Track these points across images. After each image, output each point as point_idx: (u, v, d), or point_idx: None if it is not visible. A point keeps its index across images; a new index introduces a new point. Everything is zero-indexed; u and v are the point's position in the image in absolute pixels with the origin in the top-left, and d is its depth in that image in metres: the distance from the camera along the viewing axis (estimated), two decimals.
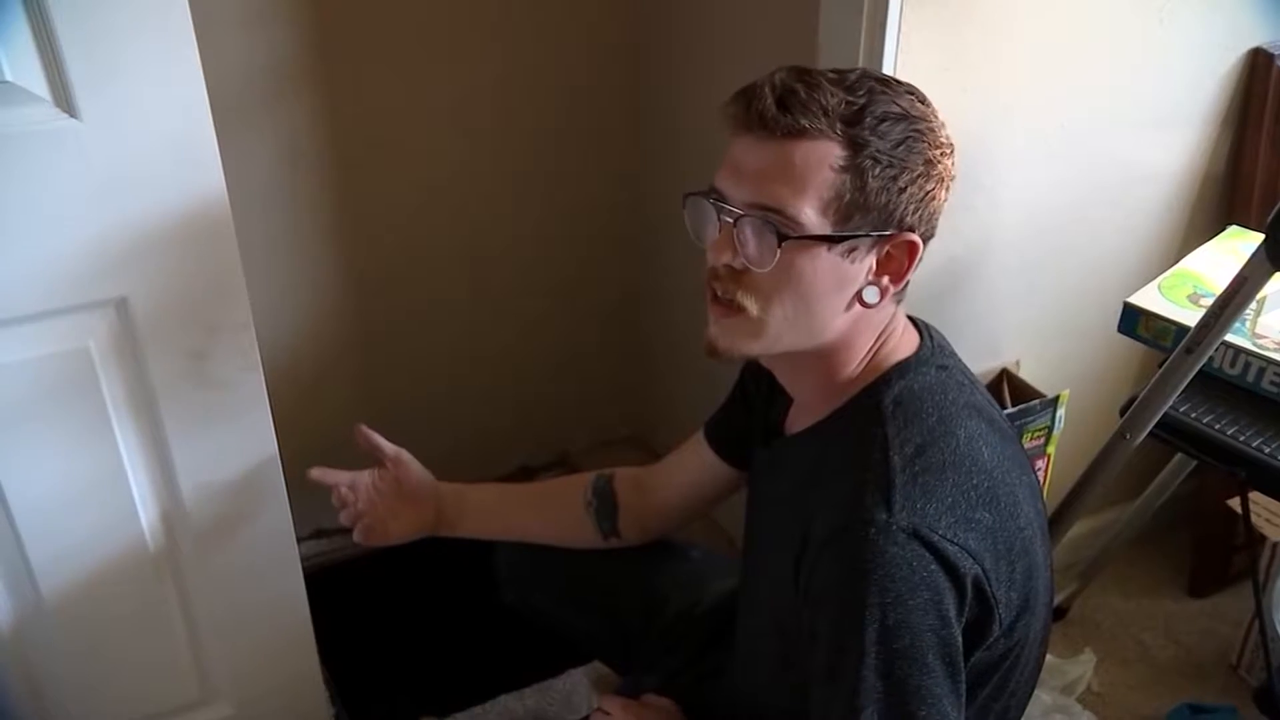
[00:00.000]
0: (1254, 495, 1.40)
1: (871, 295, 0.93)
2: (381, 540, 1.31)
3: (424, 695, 1.65)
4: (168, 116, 1.03)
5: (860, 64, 1.25)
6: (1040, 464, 1.50)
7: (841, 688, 0.87)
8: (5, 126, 0.97)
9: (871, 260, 0.92)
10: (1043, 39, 1.35)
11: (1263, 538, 1.56)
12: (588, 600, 1.34)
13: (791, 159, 0.88)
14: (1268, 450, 1.26)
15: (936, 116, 0.93)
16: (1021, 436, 1.44)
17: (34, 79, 0.97)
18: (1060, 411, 1.47)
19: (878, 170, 0.88)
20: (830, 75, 0.90)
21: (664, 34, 1.82)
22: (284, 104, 1.65)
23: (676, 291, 1.94)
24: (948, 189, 0.95)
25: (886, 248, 0.92)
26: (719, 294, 0.94)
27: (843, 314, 0.94)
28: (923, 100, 0.93)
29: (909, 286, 0.97)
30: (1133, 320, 1.39)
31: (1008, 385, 1.54)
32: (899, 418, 0.93)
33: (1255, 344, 1.31)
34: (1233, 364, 1.32)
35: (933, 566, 0.86)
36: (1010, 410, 1.44)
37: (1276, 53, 1.51)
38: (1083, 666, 1.66)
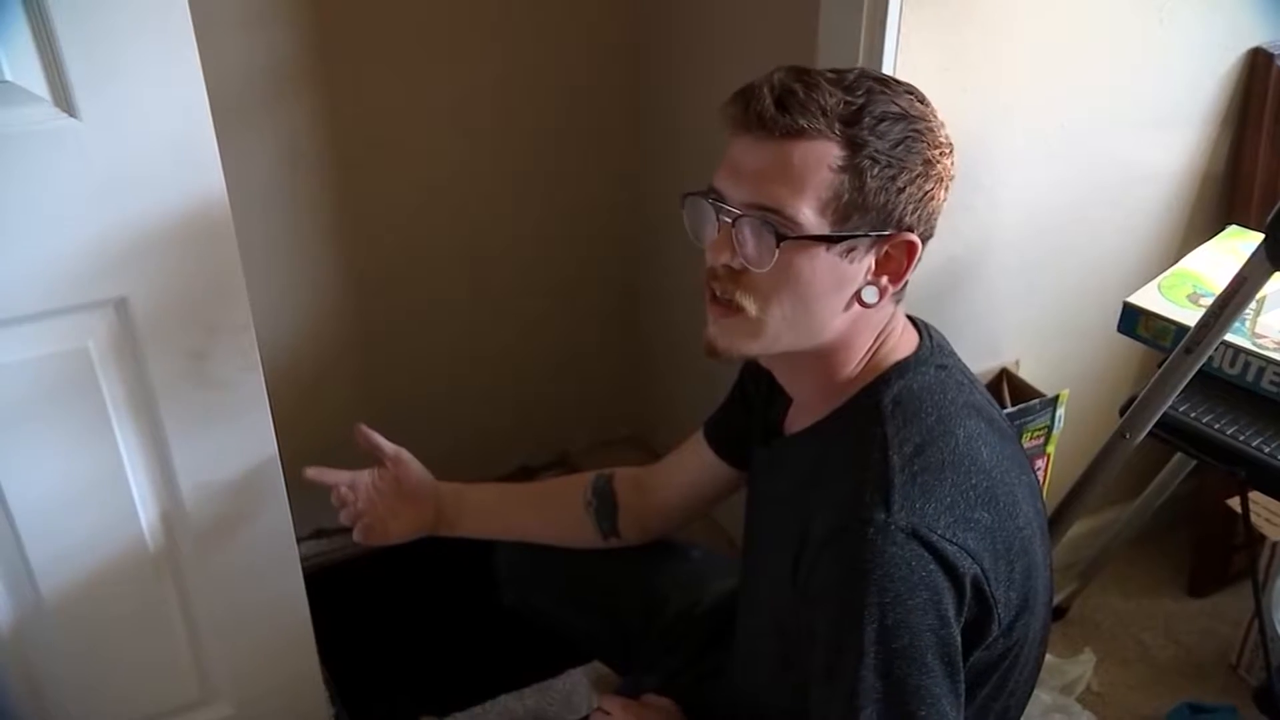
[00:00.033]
0: (1253, 495, 1.40)
1: (870, 295, 0.94)
2: (381, 540, 1.31)
3: (424, 695, 1.65)
4: (167, 116, 1.03)
5: (860, 64, 1.25)
6: (1040, 463, 1.50)
7: (840, 687, 0.87)
8: (5, 126, 0.97)
9: (870, 260, 0.92)
10: (1042, 39, 1.35)
11: (1262, 537, 1.56)
12: (588, 600, 1.34)
13: (790, 159, 0.88)
14: (1267, 450, 1.26)
15: (936, 116, 0.93)
16: (1021, 436, 1.44)
17: (34, 79, 0.97)
18: (1060, 411, 1.47)
19: (876, 170, 0.88)
20: (829, 75, 0.90)
21: (664, 34, 1.82)
22: (284, 104, 1.65)
23: (676, 291, 1.94)
24: (947, 189, 0.95)
25: (885, 248, 0.92)
26: (718, 294, 0.94)
27: (841, 314, 0.94)
28: (922, 100, 0.93)
29: (908, 286, 0.97)
30: (1132, 320, 1.39)
31: (1007, 385, 1.55)
32: (898, 417, 0.93)
33: (1255, 343, 1.32)
34: (1232, 363, 1.32)
35: (931, 566, 0.86)
36: (1010, 410, 1.44)
37: (1276, 52, 1.51)
38: (1082, 666, 1.66)
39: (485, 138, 1.82)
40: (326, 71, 1.66)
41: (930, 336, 1.02)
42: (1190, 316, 1.30)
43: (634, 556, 1.32)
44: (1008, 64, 1.34)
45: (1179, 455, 1.52)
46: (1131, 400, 1.31)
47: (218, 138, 1.06)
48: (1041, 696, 1.56)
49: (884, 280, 0.94)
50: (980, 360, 1.51)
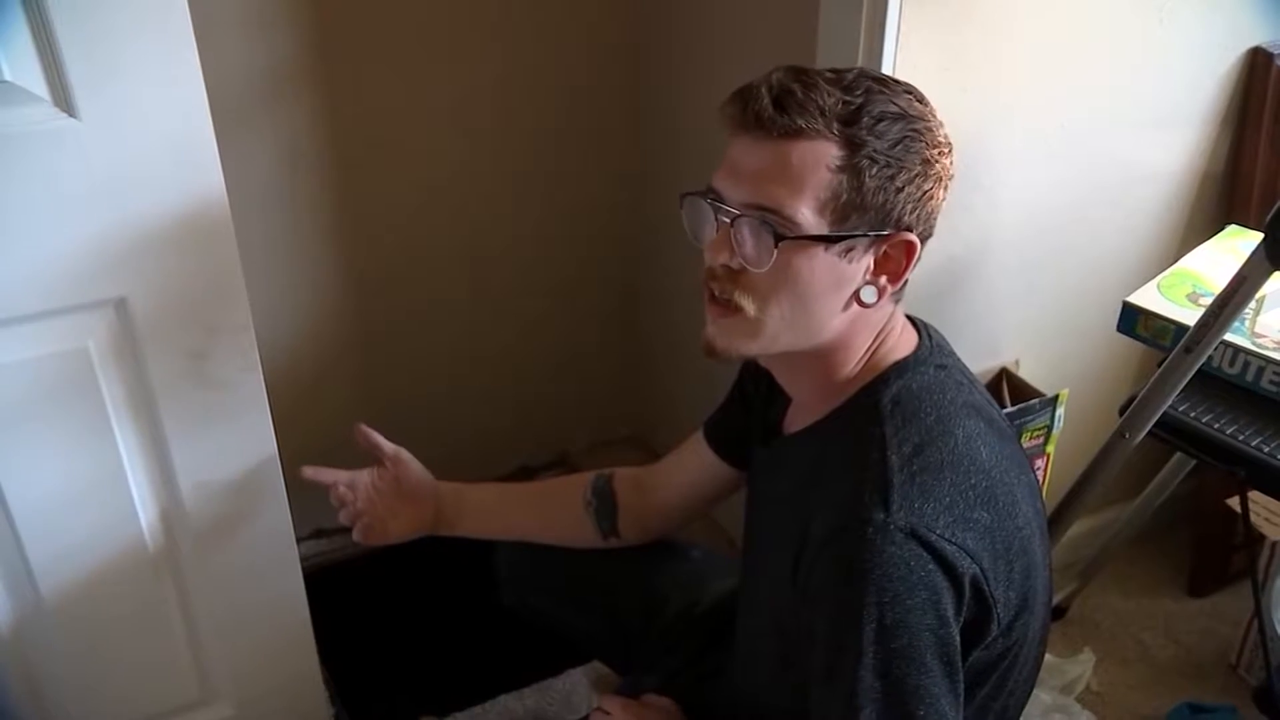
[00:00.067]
0: (1253, 494, 1.40)
1: (869, 295, 0.94)
2: (380, 539, 1.31)
3: (424, 695, 1.65)
4: (167, 117, 1.03)
5: (859, 64, 1.25)
6: (1039, 463, 1.50)
7: (840, 687, 0.87)
8: (5, 126, 0.97)
9: (869, 260, 0.92)
10: (1042, 39, 1.35)
11: (1262, 537, 1.56)
12: (587, 600, 1.34)
13: (788, 159, 0.88)
14: (1267, 449, 1.26)
15: (935, 116, 0.93)
16: (1021, 436, 1.44)
17: (33, 79, 0.97)
18: (1059, 411, 1.47)
19: (875, 170, 0.88)
20: (828, 75, 0.90)
21: (664, 34, 1.82)
22: (283, 104, 1.65)
23: (676, 291, 1.94)
24: (946, 188, 0.95)
25: (884, 247, 0.92)
26: (716, 294, 0.94)
27: (840, 314, 0.94)
28: (921, 99, 0.93)
29: (907, 286, 0.97)
30: (1132, 319, 1.39)
31: (1007, 384, 1.55)
32: (897, 417, 0.93)
33: (1254, 343, 1.31)
34: (1232, 363, 1.32)
35: (930, 566, 0.86)
36: (1010, 409, 1.44)
37: (1276, 52, 1.51)
38: (1082, 666, 1.66)
39: (485, 138, 1.82)
40: (326, 71, 1.66)
41: (929, 336, 1.02)
42: (1190, 316, 1.30)
43: (634, 556, 1.32)
44: (1007, 64, 1.34)
45: (1178, 455, 1.52)
46: (1131, 400, 1.31)
47: (217, 138, 1.06)
48: (1041, 696, 1.56)
49: (883, 280, 0.94)
50: (980, 360, 1.51)
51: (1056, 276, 1.55)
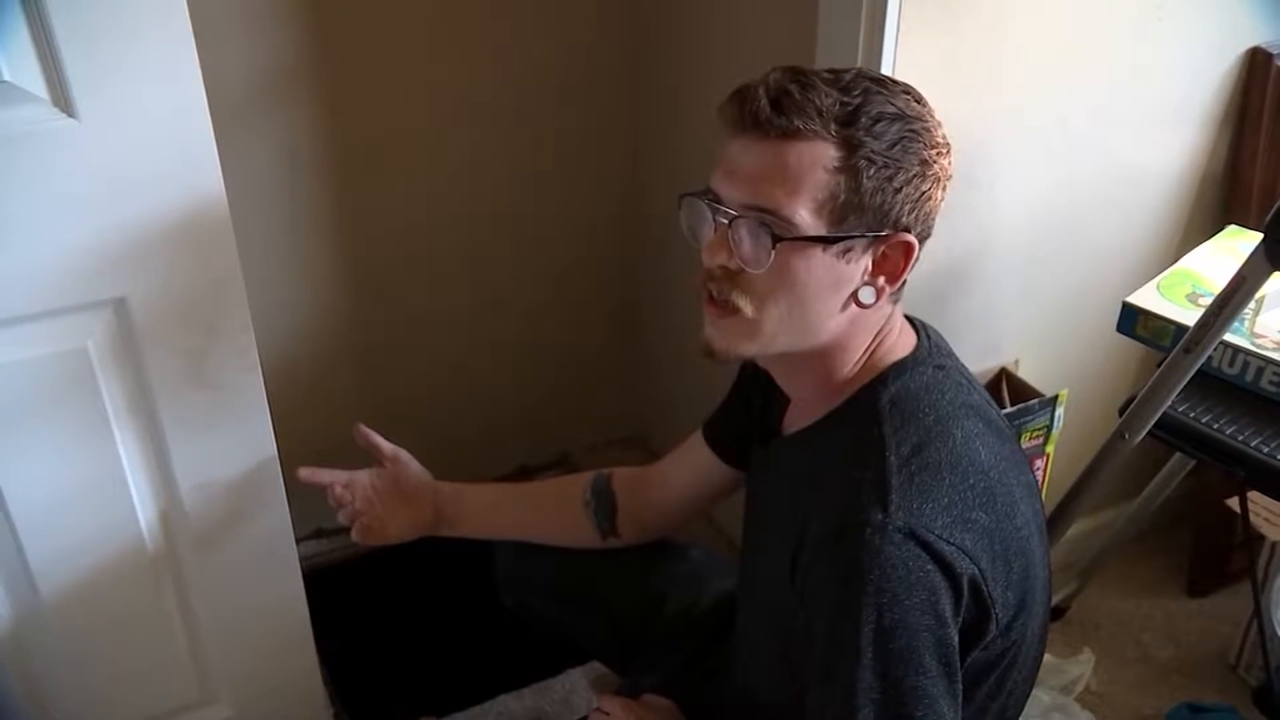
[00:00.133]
0: (1252, 495, 1.40)
1: (867, 296, 0.93)
2: (379, 540, 1.31)
3: (423, 695, 1.66)
4: (167, 117, 1.03)
5: (859, 64, 1.25)
6: (1039, 463, 1.50)
7: (838, 687, 0.87)
8: (4, 127, 0.97)
9: (867, 261, 0.92)
10: (1042, 39, 1.35)
11: (1261, 537, 1.56)
12: (586, 600, 1.34)
13: (786, 160, 0.88)
14: (1266, 449, 1.26)
15: (933, 116, 0.93)
16: (1020, 436, 1.44)
17: (32, 79, 0.97)
18: (1059, 411, 1.47)
19: (872, 171, 0.88)
20: (825, 75, 0.90)
21: (664, 34, 1.82)
22: (283, 104, 1.65)
23: (676, 292, 1.94)
24: (944, 189, 0.95)
25: (882, 248, 0.92)
26: (714, 295, 0.94)
27: (838, 314, 0.94)
28: (919, 100, 0.93)
29: (907, 286, 0.97)
30: (1131, 320, 1.39)
31: (1007, 384, 1.55)
32: (896, 417, 0.93)
33: (1254, 343, 1.31)
34: (1231, 363, 1.32)
35: (929, 566, 0.86)
36: (1009, 409, 1.44)
37: (1275, 52, 1.51)
38: (1081, 666, 1.65)
39: (485, 138, 1.82)
40: (326, 71, 1.66)
41: (928, 336, 1.02)
42: (1189, 316, 1.30)
43: (633, 556, 1.32)
44: (1007, 64, 1.34)
45: (1178, 455, 1.52)
46: (1131, 400, 1.31)
47: (217, 138, 1.06)
48: (1040, 696, 1.56)
49: (881, 281, 0.94)
50: (980, 360, 1.51)
51: (1056, 276, 1.55)
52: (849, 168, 0.88)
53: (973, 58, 1.31)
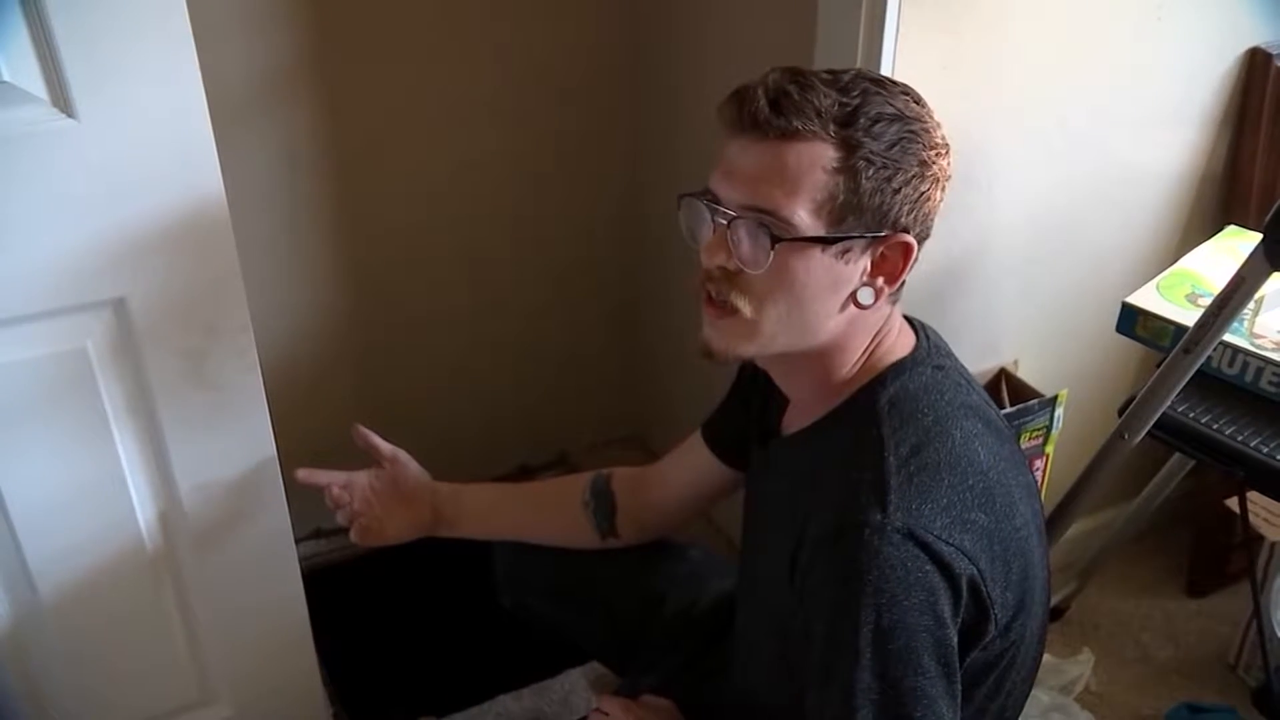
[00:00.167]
0: (1252, 495, 1.40)
1: (866, 296, 0.93)
2: (378, 540, 1.31)
3: (422, 695, 1.66)
4: (166, 117, 1.03)
5: (859, 64, 1.25)
6: (1038, 464, 1.50)
7: (837, 688, 0.87)
8: (3, 127, 0.97)
9: (866, 261, 0.92)
10: (1041, 39, 1.35)
11: (1260, 537, 1.56)
12: (585, 601, 1.34)
13: (784, 161, 0.88)
14: (1266, 450, 1.26)
15: (932, 117, 0.93)
16: (1020, 436, 1.44)
17: (32, 79, 0.97)
18: (1058, 411, 1.47)
19: (871, 171, 0.88)
20: (824, 76, 0.90)
21: (664, 34, 1.82)
22: (283, 104, 1.65)
23: (676, 292, 1.94)
24: (943, 189, 0.95)
25: (881, 249, 0.92)
26: (713, 295, 0.94)
27: (837, 315, 0.94)
28: (918, 101, 0.93)
29: (906, 286, 0.97)
30: (1131, 320, 1.39)
31: (1006, 385, 1.55)
32: (895, 418, 0.93)
33: (1253, 344, 1.31)
34: (1231, 364, 1.32)
35: (928, 567, 0.86)
36: (1009, 410, 1.44)
37: (1274, 52, 1.51)
38: (1081, 666, 1.66)
39: (485, 138, 1.82)
40: (326, 72, 1.66)
41: (927, 337, 1.02)
42: (1189, 316, 1.30)
43: (632, 557, 1.32)
44: (1006, 64, 1.34)
45: (1177, 455, 1.52)
46: (1130, 400, 1.31)
47: (216, 138, 1.06)
48: (1040, 696, 1.56)
49: (880, 281, 0.94)
50: (979, 360, 1.51)
51: (1056, 277, 1.55)
52: (848, 168, 0.88)
53: (972, 58, 1.31)
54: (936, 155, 0.92)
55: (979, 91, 1.34)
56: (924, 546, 0.86)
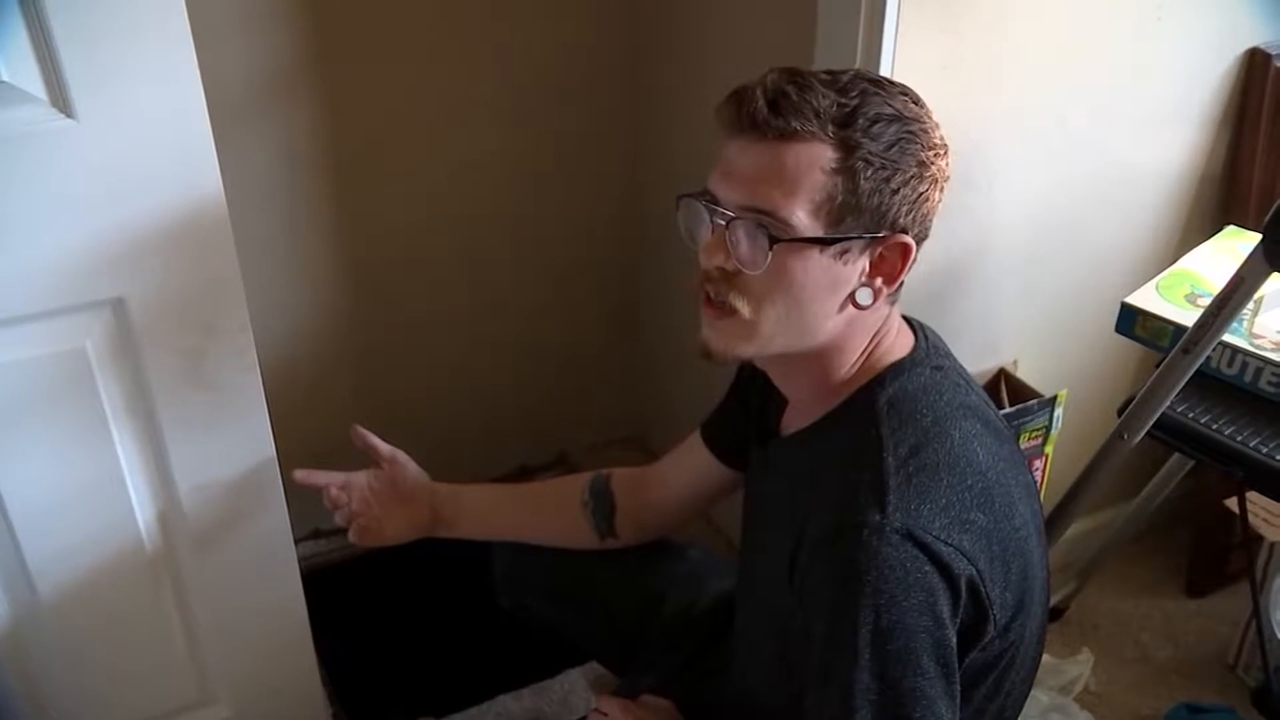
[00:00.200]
0: (1251, 495, 1.40)
1: (865, 297, 0.93)
2: (376, 541, 1.31)
3: (421, 696, 1.66)
4: (165, 117, 1.03)
5: (858, 64, 1.25)
6: (1038, 464, 1.50)
7: (836, 688, 0.87)
8: (2, 127, 0.97)
9: (864, 262, 0.92)
10: (1041, 38, 1.35)
11: (1260, 537, 1.56)
12: (584, 601, 1.34)
13: (783, 161, 0.88)
14: (1265, 450, 1.26)
15: (930, 118, 0.93)
16: (1019, 436, 1.44)
17: (30, 79, 0.97)
18: (1058, 411, 1.47)
19: (870, 172, 0.88)
20: (823, 77, 0.90)
21: (663, 34, 1.82)
22: (282, 104, 1.65)
23: (676, 292, 1.94)
24: (942, 190, 0.95)
25: (879, 249, 0.92)
26: (712, 296, 0.94)
27: (836, 315, 0.94)
28: (916, 101, 0.93)
29: (905, 287, 0.97)
30: (1130, 320, 1.39)
31: (1006, 385, 1.54)
32: (893, 419, 0.93)
33: (1252, 344, 1.31)
34: (1230, 364, 1.32)
35: (927, 568, 0.86)
36: (1008, 410, 1.44)
37: (1274, 52, 1.51)
38: (1080, 666, 1.66)
39: (485, 138, 1.82)
40: (325, 72, 1.66)
41: (926, 337, 1.02)
42: (1188, 317, 1.30)
43: (631, 557, 1.32)
44: (1006, 64, 1.34)
45: (1176, 455, 1.52)
46: (1129, 400, 1.31)
47: (215, 138, 1.06)
48: (1039, 696, 1.56)
49: (878, 282, 0.94)
50: (978, 360, 1.51)
51: (1055, 277, 1.55)
52: (846, 169, 0.88)
53: (972, 58, 1.31)
54: (935, 156, 0.92)
55: (979, 91, 1.34)
56: (923, 547, 0.86)
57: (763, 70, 0.91)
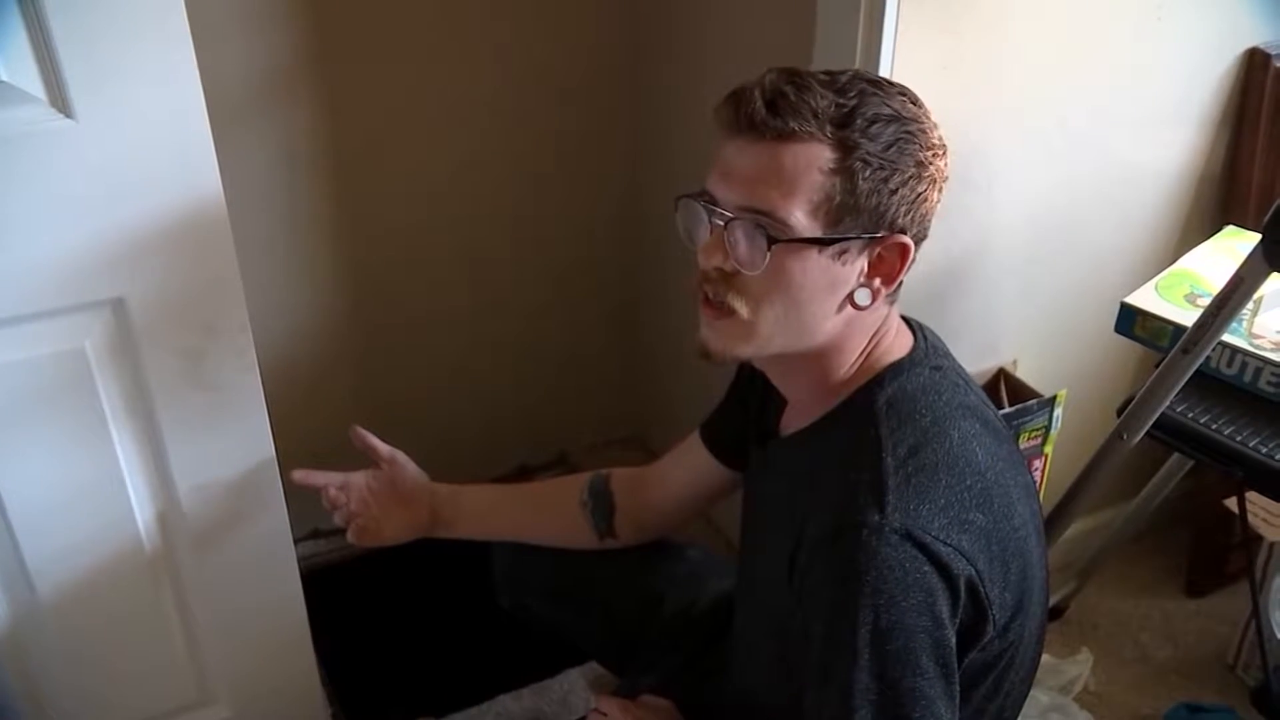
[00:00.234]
0: (1250, 495, 1.40)
1: (863, 297, 0.93)
2: (375, 541, 1.31)
3: (421, 696, 1.66)
4: (165, 117, 1.03)
5: (857, 64, 1.25)
6: (1037, 464, 1.50)
7: (835, 689, 0.87)
8: (2, 127, 0.97)
9: (863, 262, 0.92)
10: (1040, 38, 1.35)
11: (1259, 537, 1.56)
12: (584, 601, 1.34)
13: (781, 162, 0.88)
14: (1264, 450, 1.26)
15: (929, 118, 0.93)
16: (1019, 436, 1.44)
17: (30, 79, 0.97)
18: (1057, 411, 1.47)
19: (868, 172, 0.88)
20: (821, 77, 0.90)
21: (662, 34, 1.82)
22: (281, 104, 1.65)
23: (675, 292, 1.94)
24: (940, 190, 0.95)
25: (878, 250, 0.92)
26: (710, 296, 0.94)
27: (834, 316, 0.94)
28: (915, 101, 0.93)
29: (904, 287, 0.97)
30: (1130, 320, 1.39)
31: (1005, 385, 1.54)
32: (892, 419, 0.93)
33: (1252, 344, 1.31)
34: (1229, 364, 1.32)
35: (926, 568, 0.86)
36: (1007, 410, 1.44)
37: (1273, 52, 1.51)
38: (1080, 666, 1.66)
39: (484, 139, 1.82)
40: (325, 72, 1.66)
41: (925, 337, 1.02)
42: (1187, 317, 1.30)
43: (631, 557, 1.32)
44: (1005, 64, 1.34)
45: (1176, 455, 1.52)
46: (1129, 401, 1.31)
47: (215, 138, 1.06)
48: (1039, 696, 1.56)
49: (877, 282, 0.94)
50: (978, 360, 1.51)
51: (1054, 277, 1.55)
52: (844, 169, 0.88)
53: (972, 58, 1.31)
54: (933, 156, 0.92)
55: (979, 91, 1.34)
56: (922, 547, 0.86)
57: (762, 70, 0.91)
